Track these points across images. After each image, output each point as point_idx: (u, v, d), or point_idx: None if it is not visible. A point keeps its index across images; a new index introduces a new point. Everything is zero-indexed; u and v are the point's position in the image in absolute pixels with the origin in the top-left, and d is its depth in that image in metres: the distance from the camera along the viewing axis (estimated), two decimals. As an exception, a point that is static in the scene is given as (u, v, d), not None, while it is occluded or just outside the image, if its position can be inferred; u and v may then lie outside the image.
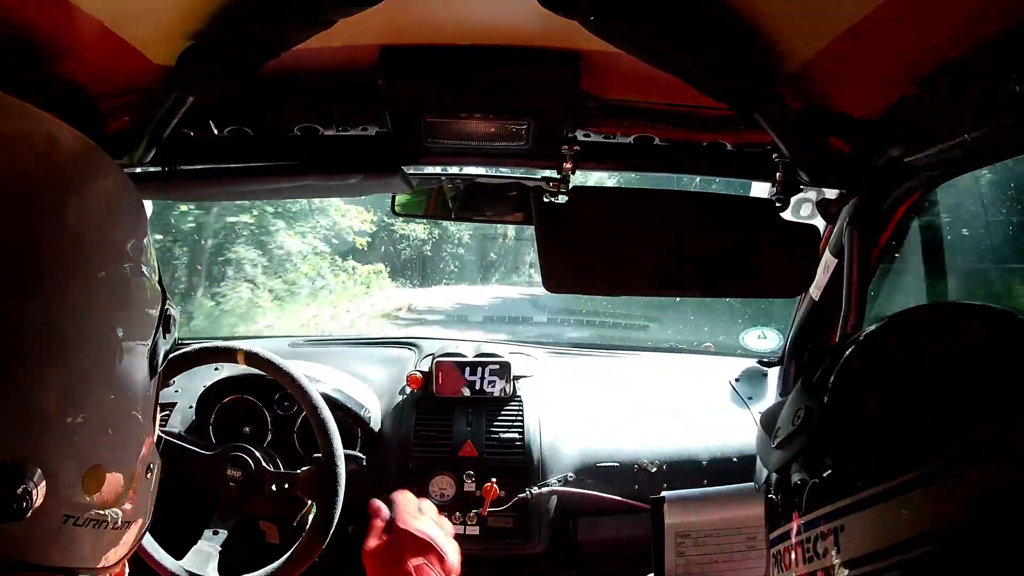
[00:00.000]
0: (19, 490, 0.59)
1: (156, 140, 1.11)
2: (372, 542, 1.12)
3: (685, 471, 1.79)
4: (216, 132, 1.24)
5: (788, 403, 0.74)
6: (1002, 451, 0.56)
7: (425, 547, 1.10)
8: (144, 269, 0.71)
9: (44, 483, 0.61)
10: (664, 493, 1.21)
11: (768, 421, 0.79)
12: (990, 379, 0.60)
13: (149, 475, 0.76)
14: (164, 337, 0.75)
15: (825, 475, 0.65)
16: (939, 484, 0.56)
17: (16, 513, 0.59)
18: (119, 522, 0.71)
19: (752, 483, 1.45)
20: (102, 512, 0.68)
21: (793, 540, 0.68)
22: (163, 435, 1.55)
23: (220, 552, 1.53)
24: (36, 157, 0.64)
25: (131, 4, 0.84)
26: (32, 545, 0.63)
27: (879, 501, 0.59)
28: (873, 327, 0.72)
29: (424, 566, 1.08)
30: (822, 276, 1.64)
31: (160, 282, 0.75)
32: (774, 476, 0.74)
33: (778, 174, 1.24)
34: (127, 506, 0.72)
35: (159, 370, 0.75)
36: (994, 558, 0.55)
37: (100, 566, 0.71)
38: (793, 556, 0.69)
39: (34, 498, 0.60)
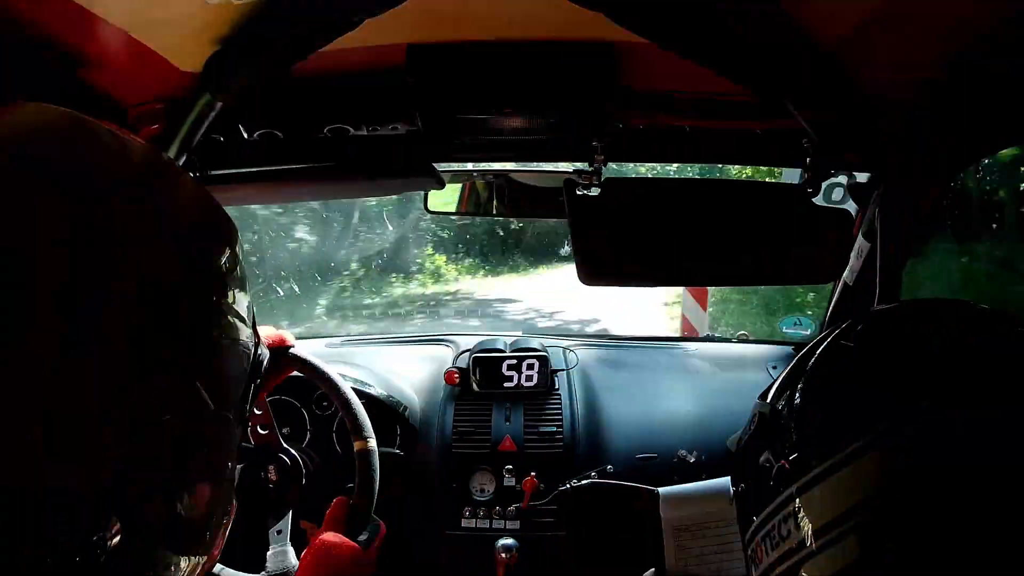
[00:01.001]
0: (95, 537, 0.57)
1: (186, 147, 1.12)
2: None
3: (724, 460, 1.76)
4: (246, 136, 1.25)
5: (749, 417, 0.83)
6: (908, 435, 0.63)
7: None
8: (237, 285, 0.69)
9: (119, 526, 0.58)
10: (659, 489, 1.21)
11: (734, 441, 0.89)
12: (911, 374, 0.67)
13: (226, 520, 0.74)
14: (253, 387, 0.74)
15: (778, 467, 0.71)
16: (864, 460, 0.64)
17: (88, 555, 0.57)
18: (194, 560, 0.69)
19: None
20: (177, 553, 0.66)
21: (762, 534, 0.74)
22: None
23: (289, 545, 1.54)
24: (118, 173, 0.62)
25: (156, 12, 0.85)
26: None
27: (823, 479, 0.66)
28: (824, 334, 0.78)
29: None
30: (855, 261, 1.61)
31: (252, 317, 0.72)
32: (741, 485, 0.81)
33: (808, 159, 1.23)
34: (203, 547, 0.70)
35: (247, 421, 0.74)
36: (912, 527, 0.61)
37: None
38: (763, 548, 0.74)
39: (107, 544, 0.58)
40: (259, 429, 1.53)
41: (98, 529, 0.57)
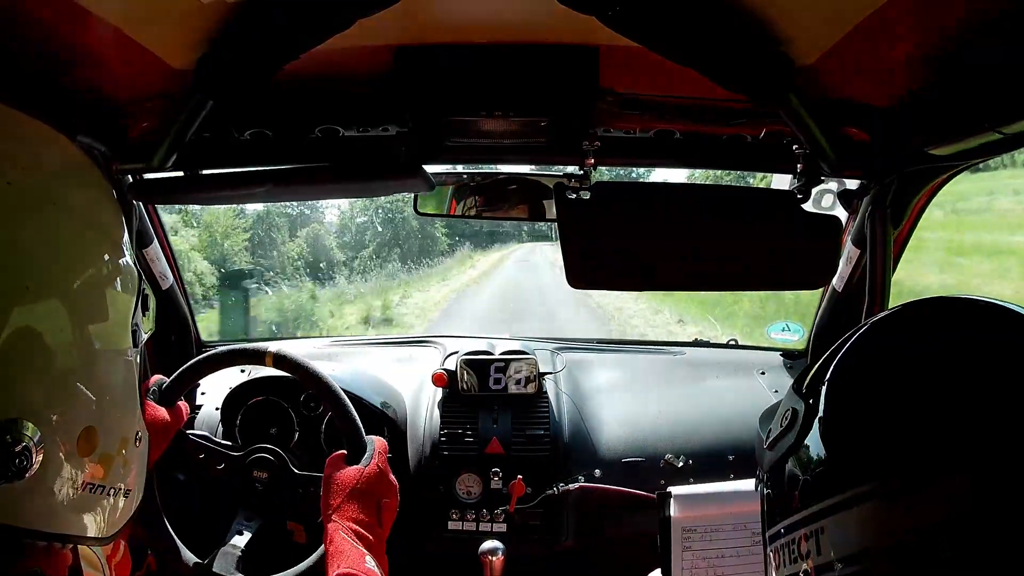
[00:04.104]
0: (18, 448, 0.61)
1: (177, 144, 1.11)
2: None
3: (711, 465, 1.77)
4: (236, 135, 1.24)
5: (782, 403, 0.74)
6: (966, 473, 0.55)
7: None
8: (123, 261, 0.76)
9: (43, 445, 0.64)
10: (670, 488, 1.21)
11: (764, 420, 0.79)
12: (970, 394, 0.58)
13: (138, 443, 0.80)
14: (144, 315, 0.81)
15: (807, 479, 0.65)
16: (902, 497, 0.56)
17: (16, 472, 0.61)
18: (113, 489, 0.75)
19: None
20: (97, 477, 0.72)
21: (781, 540, 0.69)
22: (191, 436, 1.56)
23: (244, 552, 1.53)
24: (20, 169, 0.68)
25: (149, 10, 0.85)
26: (31, 511, 0.66)
27: (850, 506, 0.59)
28: (861, 328, 0.70)
29: None
30: (845, 267, 1.62)
31: (136, 265, 0.78)
32: (766, 476, 0.75)
33: (799, 165, 1.23)
34: (120, 472, 0.76)
35: (141, 344, 0.80)
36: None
37: (95, 535, 0.74)
38: (781, 556, 0.69)
39: (32, 457, 0.63)
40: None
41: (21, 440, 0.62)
